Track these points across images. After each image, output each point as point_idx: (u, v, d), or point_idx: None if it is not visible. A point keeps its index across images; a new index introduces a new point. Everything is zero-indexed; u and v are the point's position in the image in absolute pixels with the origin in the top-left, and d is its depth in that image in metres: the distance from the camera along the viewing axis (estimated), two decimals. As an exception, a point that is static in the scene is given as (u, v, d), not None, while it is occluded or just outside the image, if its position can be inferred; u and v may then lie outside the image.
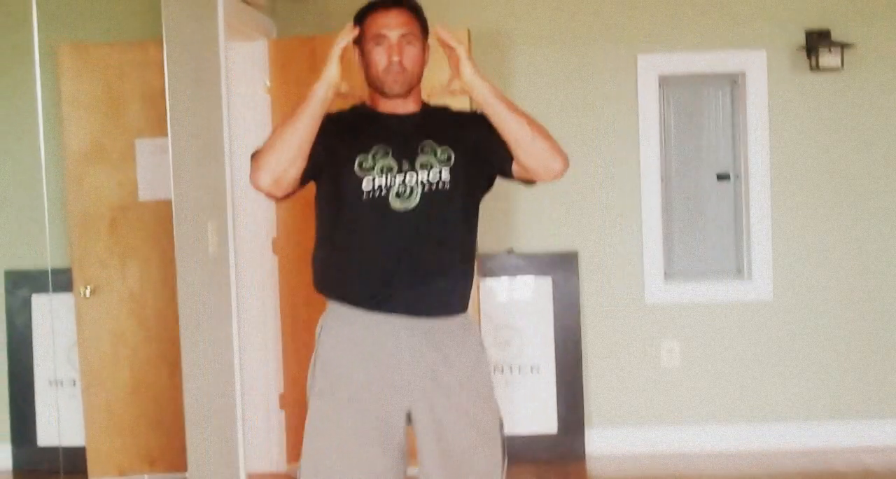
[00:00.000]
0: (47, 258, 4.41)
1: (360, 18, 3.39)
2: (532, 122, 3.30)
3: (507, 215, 6.26)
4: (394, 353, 3.32)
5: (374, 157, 3.32)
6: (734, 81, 6.40)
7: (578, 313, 6.24)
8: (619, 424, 6.35)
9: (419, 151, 3.34)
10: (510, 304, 6.24)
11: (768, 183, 6.29)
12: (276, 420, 5.95)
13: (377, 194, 3.29)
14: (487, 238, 6.08)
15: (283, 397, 5.94)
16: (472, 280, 3.47)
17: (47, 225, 4.36)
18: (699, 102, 6.48)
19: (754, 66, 6.27)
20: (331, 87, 3.23)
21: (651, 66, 6.27)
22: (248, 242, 5.79)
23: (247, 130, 5.73)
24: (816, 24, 6.24)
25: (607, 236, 6.32)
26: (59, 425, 4.63)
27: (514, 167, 3.36)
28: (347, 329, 3.38)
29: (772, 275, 6.32)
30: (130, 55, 4.72)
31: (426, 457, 3.37)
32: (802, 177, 6.31)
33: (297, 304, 5.87)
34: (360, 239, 3.34)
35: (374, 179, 3.30)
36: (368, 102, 3.45)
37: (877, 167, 6.31)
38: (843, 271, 6.34)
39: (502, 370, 6.20)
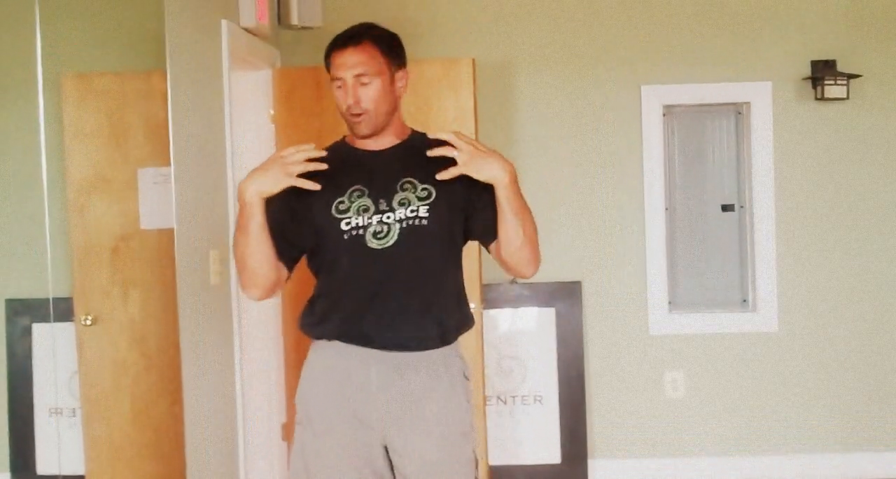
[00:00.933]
0: (48, 287, 4.39)
1: (325, 57, 3.38)
2: (528, 229, 3.29)
3: (510, 245, 6.28)
4: (364, 386, 3.34)
5: (349, 198, 3.33)
6: (739, 112, 6.42)
7: (582, 343, 6.26)
8: (622, 455, 6.37)
9: (398, 188, 3.34)
10: (513, 334, 6.26)
11: (773, 214, 6.32)
12: (278, 451, 5.92)
13: (355, 234, 3.30)
14: (490, 268, 6.08)
15: (285, 428, 5.91)
16: (456, 315, 3.43)
17: (49, 254, 4.32)
18: (704, 132, 6.50)
19: (759, 96, 6.31)
20: (260, 209, 3.25)
21: (655, 97, 6.31)
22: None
23: (250, 159, 5.73)
24: (822, 54, 6.29)
25: (611, 267, 6.35)
26: (59, 453, 4.61)
27: (491, 246, 3.38)
28: (323, 361, 3.42)
29: (776, 306, 6.35)
30: (134, 85, 4.73)
31: None
32: (807, 207, 6.34)
33: (300, 333, 5.85)
34: (338, 279, 3.37)
35: (351, 220, 3.30)
36: (349, 139, 3.46)
37: (882, 197, 6.35)
38: (849, 302, 6.36)
39: (505, 401, 6.22)
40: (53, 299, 4.43)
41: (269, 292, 3.42)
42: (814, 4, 6.32)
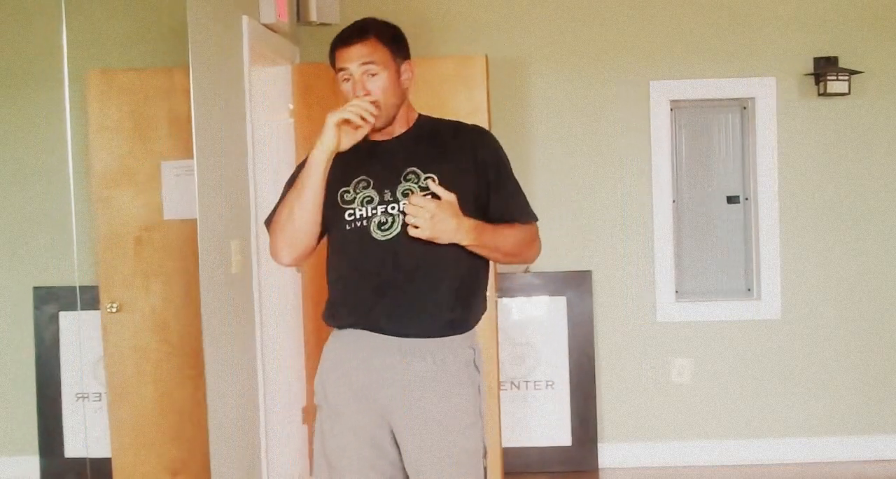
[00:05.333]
0: (75, 276, 4.47)
1: (330, 52, 3.42)
2: (501, 254, 3.42)
3: (521, 236, 6.35)
4: (372, 370, 3.38)
5: (354, 189, 3.38)
6: (744, 106, 6.46)
7: (592, 330, 6.32)
8: (630, 438, 6.43)
9: (402, 179, 3.36)
10: (526, 322, 6.33)
11: (777, 205, 6.37)
12: (298, 434, 6.01)
13: (359, 225, 3.35)
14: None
15: (305, 412, 6.00)
16: (467, 303, 3.43)
17: (75, 244, 4.39)
18: (710, 126, 6.54)
19: (764, 92, 6.36)
20: (330, 154, 3.27)
21: (663, 92, 6.37)
22: (271, 259, 5.84)
23: (270, 153, 5.81)
24: (824, 51, 6.33)
25: (620, 257, 6.40)
26: (86, 437, 4.68)
27: None
28: (338, 347, 3.48)
29: (780, 294, 6.40)
30: (156, 81, 4.78)
31: (410, 469, 3.40)
32: (810, 199, 6.39)
33: (319, 320, 5.89)
34: (346, 269, 3.43)
35: (355, 211, 3.35)
36: None
37: (882, 190, 6.40)
38: (850, 291, 6.41)
39: (518, 386, 6.31)
40: (80, 287, 4.53)
41: (300, 258, 3.48)
42: (817, 2, 6.36)
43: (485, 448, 3.42)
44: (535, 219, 3.51)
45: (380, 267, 3.34)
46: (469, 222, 3.28)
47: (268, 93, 5.82)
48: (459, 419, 3.37)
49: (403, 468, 3.42)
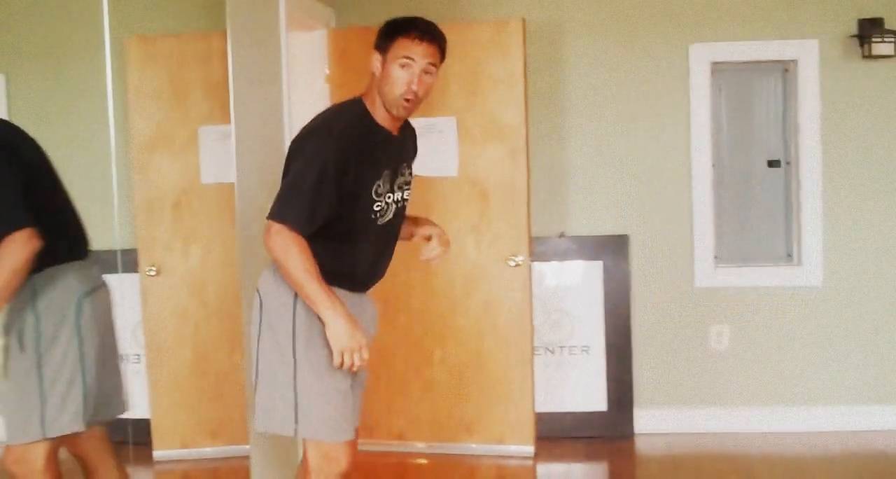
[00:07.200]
0: (115, 240, 4.55)
1: (392, 33, 3.58)
2: None
3: (559, 200, 6.35)
4: (360, 314, 3.72)
5: (384, 182, 3.64)
6: (786, 69, 6.38)
7: (628, 296, 6.30)
8: (667, 404, 6.41)
9: (400, 172, 3.77)
10: (561, 287, 6.31)
11: (819, 170, 6.29)
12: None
13: (379, 215, 3.66)
14: (540, 222, 6.17)
15: (339, 375, 6.02)
16: None
17: (115, 208, 4.47)
18: (751, 89, 6.47)
19: (806, 54, 6.27)
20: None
21: (703, 55, 6.29)
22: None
23: (306, 117, 5.83)
24: (869, 12, 6.21)
25: (658, 221, 6.36)
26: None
27: None
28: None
29: (821, 260, 6.33)
30: (195, 46, 4.85)
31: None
32: (853, 164, 6.30)
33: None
34: (353, 247, 3.68)
35: (380, 202, 3.65)
36: (369, 106, 3.64)
37: None
38: (892, 257, 6.34)
39: (553, 351, 6.31)
40: (120, 250, 4.59)
41: None
42: (861, -38, 6.26)
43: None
44: None
45: (377, 243, 3.76)
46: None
47: (304, 57, 5.85)
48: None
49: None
